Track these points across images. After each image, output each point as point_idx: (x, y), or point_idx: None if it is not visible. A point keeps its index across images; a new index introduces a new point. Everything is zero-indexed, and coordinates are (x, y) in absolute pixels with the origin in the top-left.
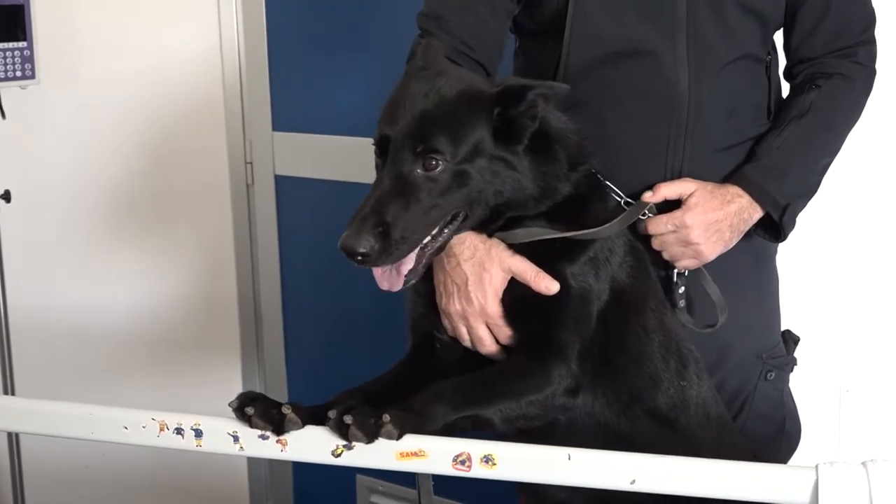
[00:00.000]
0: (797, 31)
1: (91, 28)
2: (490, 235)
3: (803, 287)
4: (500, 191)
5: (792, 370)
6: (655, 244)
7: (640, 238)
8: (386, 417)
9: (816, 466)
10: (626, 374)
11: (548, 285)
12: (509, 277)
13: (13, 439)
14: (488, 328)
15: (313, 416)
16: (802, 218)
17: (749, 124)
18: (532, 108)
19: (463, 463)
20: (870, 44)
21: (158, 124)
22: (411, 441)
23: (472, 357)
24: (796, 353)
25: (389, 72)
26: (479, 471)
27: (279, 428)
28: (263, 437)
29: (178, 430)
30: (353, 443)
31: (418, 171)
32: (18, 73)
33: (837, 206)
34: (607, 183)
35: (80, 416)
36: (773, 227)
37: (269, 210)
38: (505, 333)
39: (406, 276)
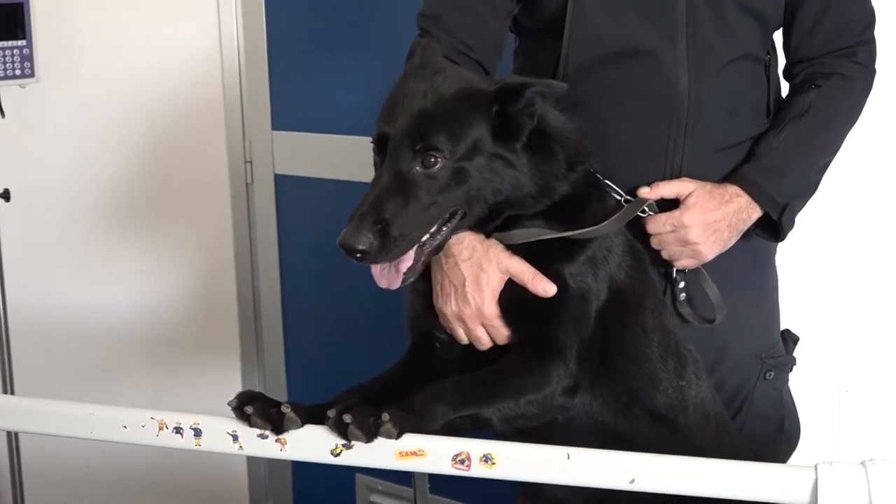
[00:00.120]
0: (797, 30)
1: (91, 27)
2: (488, 236)
3: (802, 287)
4: (498, 189)
5: (791, 370)
6: (654, 243)
7: (640, 237)
8: (385, 416)
9: (816, 466)
10: (624, 374)
11: (545, 287)
12: (507, 278)
13: (13, 438)
14: (485, 329)
15: (312, 415)
16: (802, 218)
17: (749, 124)
18: (530, 105)
19: (462, 462)
20: (869, 43)
21: (158, 123)
22: (411, 440)
23: (471, 356)
24: (795, 353)
25: (389, 71)
26: (478, 470)
27: (278, 427)
28: (262, 437)
29: (178, 430)
30: (353, 442)
31: (417, 168)
32: (18, 72)
33: (837, 206)
34: (607, 182)
35: (79, 416)
36: (772, 227)
37: (269, 209)
38: (502, 334)
39: (405, 273)
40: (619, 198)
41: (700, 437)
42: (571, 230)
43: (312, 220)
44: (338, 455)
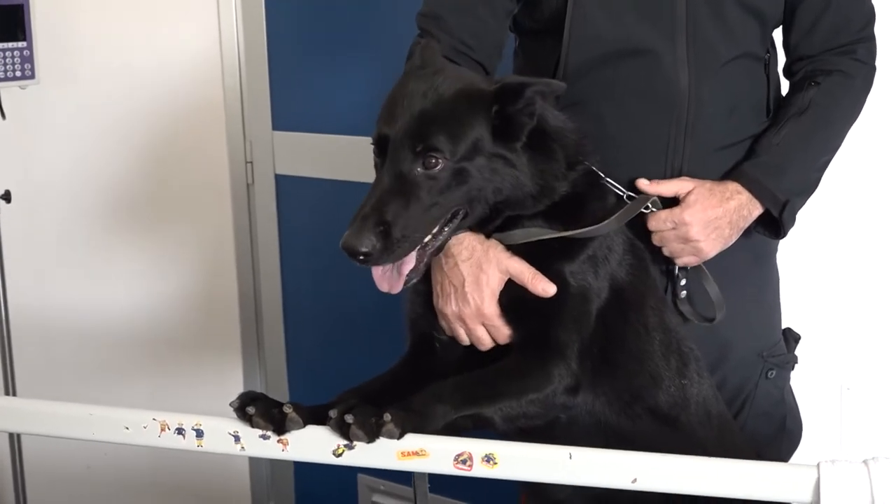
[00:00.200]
0: (796, 28)
1: (91, 28)
2: (488, 236)
3: (804, 285)
4: (499, 188)
5: (793, 368)
6: (655, 240)
7: (641, 235)
8: (387, 417)
9: (818, 465)
10: (626, 373)
11: (545, 287)
12: (506, 278)
13: (14, 440)
14: (486, 329)
15: (314, 415)
16: (803, 216)
17: (748, 123)
18: (530, 105)
19: (464, 462)
20: (869, 41)
21: (158, 124)
22: (412, 440)
23: (472, 357)
24: (797, 351)
25: (390, 71)
26: (480, 470)
27: (280, 427)
28: (264, 437)
29: (180, 431)
30: (355, 442)
31: (418, 169)
32: (18, 74)
33: (838, 204)
34: (608, 180)
35: (81, 417)
36: (773, 224)
37: (270, 209)
38: (503, 334)
39: (408, 275)
40: (621, 194)
41: (702, 435)
42: (571, 230)
43: (313, 220)
44: (340, 455)
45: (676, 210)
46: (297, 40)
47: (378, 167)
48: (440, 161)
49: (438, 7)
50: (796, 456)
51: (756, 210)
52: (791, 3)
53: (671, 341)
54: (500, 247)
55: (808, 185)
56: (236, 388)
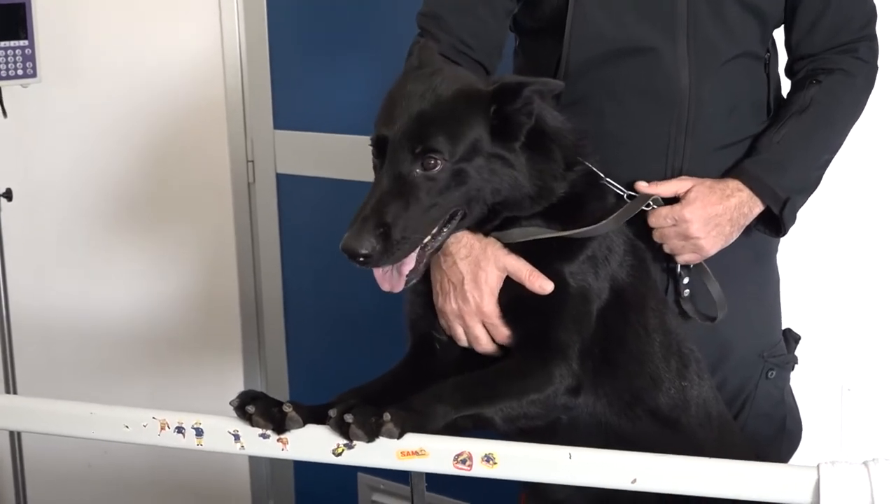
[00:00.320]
0: (797, 27)
1: (92, 26)
2: (486, 235)
3: (805, 285)
4: (497, 189)
5: (793, 369)
6: (656, 237)
7: (642, 234)
8: (387, 416)
9: (818, 466)
10: (626, 374)
11: (542, 285)
12: (505, 276)
13: (15, 438)
14: (485, 327)
15: (314, 414)
16: (803, 216)
17: (748, 122)
18: (528, 104)
19: (464, 462)
20: (871, 39)
21: (159, 123)
22: (412, 440)
23: (473, 357)
24: (798, 352)
25: (390, 70)
26: (480, 470)
27: (280, 427)
28: (264, 436)
29: (179, 429)
30: (354, 441)
31: (417, 170)
32: (20, 72)
33: (838, 204)
34: (608, 180)
35: (81, 415)
36: (774, 222)
37: (271, 208)
38: (502, 333)
39: (407, 275)
40: (621, 193)
41: (702, 436)
42: (570, 230)
43: (314, 219)
44: (339, 455)
45: (677, 207)
46: (299, 39)
47: (377, 168)
48: (439, 162)
49: (438, 7)
50: (796, 457)
51: (757, 207)
52: (792, 2)
53: (671, 343)
54: (498, 244)
55: (809, 184)
56: (237, 387)
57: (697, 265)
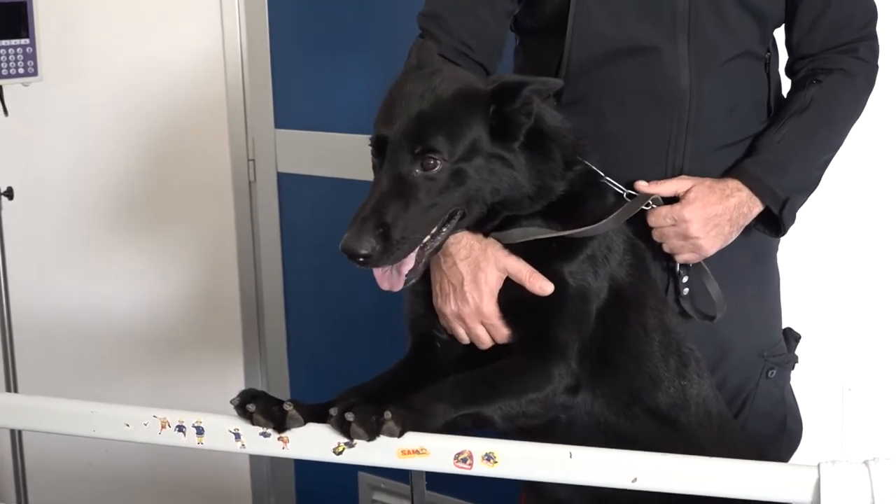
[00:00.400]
0: (798, 26)
1: (93, 25)
2: (486, 235)
3: (805, 285)
4: (496, 188)
5: (793, 368)
6: (655, 236)
7: (642, 232)
8: (387, 415)
9: (818, 465)
10: (625, 373)
11: (542, 286)
12: (505, 277)
13: (16, 436)
14: (485, 328)
15: (315, 413)
16: (803, 215)
17: (749, 122)
18: (527, 104)
19: (464, 461)
20: (871, 39)
21: (160, 122)
22: (413, 439)
23: (472, 356)
24: (799, 351)
25: (391, 70)
26: (480, 469)
27: (281, 425)
28: (265, 435)
29: (180, 428)
30: (355, 440)
31: (417, 171)
32: (21, 71)
33: (839, 204)
34: (608, 179)
35: (82, 414)
36: (773, 222)
37: (272, 207)
38: (502, 333)
39: (406, 275)
40: (620, 193)
41: (702, 436)
42: (570, 229)
43: (315, 218)
44: (340, 453)
45: (677, 207)
46: (300, 38)
47: (376, 168)
48: (439, 162)
49: (439, 7)
50: (797, 456)
51: (756, 207)
52: (793, 2)
53: (671, 342)
54: (498, 245)
55: (809, 184)
56: (237, 386)
57: (697, 265)
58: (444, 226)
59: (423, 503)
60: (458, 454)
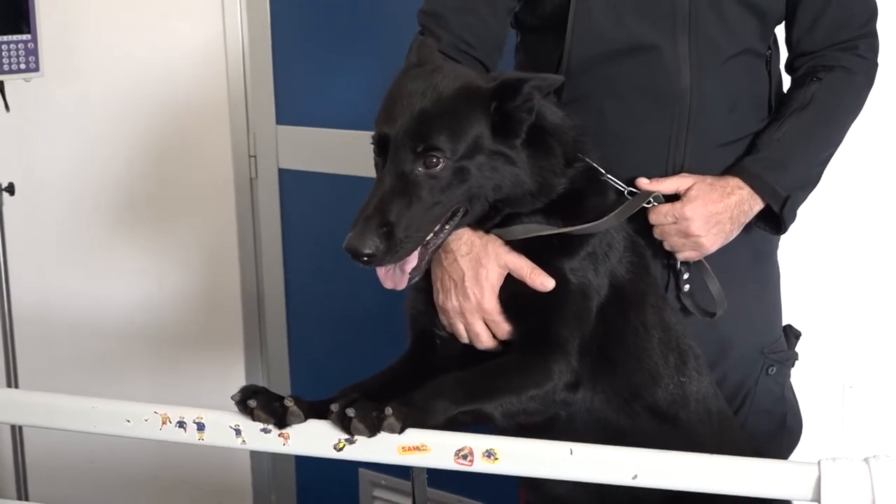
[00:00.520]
0: (798, 24)
1: (95, 21)
2: (487, 232)
3: (806, 282)
4: (499, 186)
5: (793, 365)
6: (656, 234)
7: (642, 230)
8: (388, 411)
9: (819, 462)
10: (625, 370)
11: (543, 282)
12: (506, 273)
13: (17, 432)
14: (485, 324)
15: (315, 409)
16: (804, 213)
17: (749, 120)
18: (528, 100)
19: (465, 457)
20: (871, 37)
21: (162, 118)
22: (413, 435)
23: (473, 353)
24: (800, 349)
25: (392, 67)
26: (480, 465)
27: (281, 421)
28: (266, 431)
29: (181, 424)
30: (356, 436)
31: (419, 169)
32: (22, 66)
33: (840, 201)
34: (608, 176)
35: (82, 410)
36: (774, 220)
37: (273, 204)
38: (503, 329)
39: (410, 273)
40: (622, 190)
41: (702, 433)
42: (570, 226)
43: (316, 214)
44: (341, 450)
45: (678, 204)
46: (302, 35)
47: (378, 167)
48: (441, 160)
49: (439, 5)
50: (797, 453)
51: (757, 205)
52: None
53: (671, 339)
54: (499, 242)
55: (810, 181)
56: (238, 382)
57: (697, 262)
58: (446, 223)
59: (424, 499)
60: (459, 451)
